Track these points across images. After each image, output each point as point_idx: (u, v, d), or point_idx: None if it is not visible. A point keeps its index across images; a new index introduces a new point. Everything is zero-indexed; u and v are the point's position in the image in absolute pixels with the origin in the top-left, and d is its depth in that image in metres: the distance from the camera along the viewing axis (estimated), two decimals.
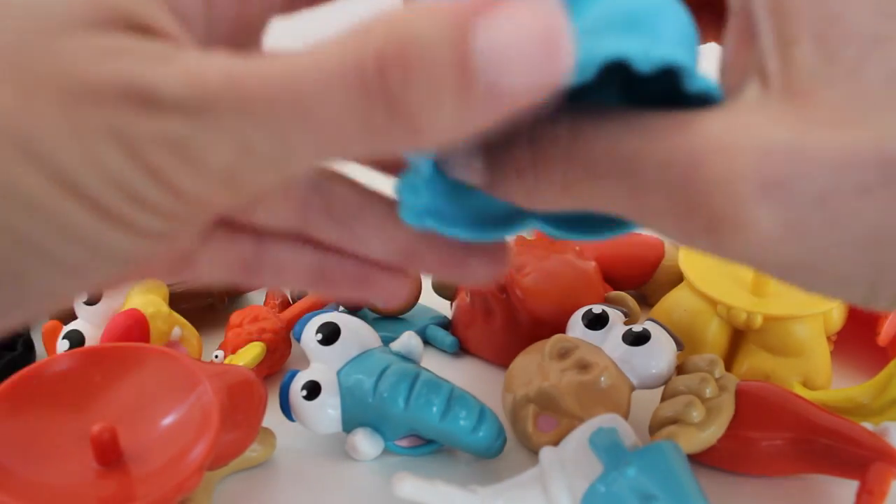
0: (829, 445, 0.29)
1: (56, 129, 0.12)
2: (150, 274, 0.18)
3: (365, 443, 0.32)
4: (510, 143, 0.16)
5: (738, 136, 0.14)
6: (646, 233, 0.45)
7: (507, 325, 0.40)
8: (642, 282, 0.43)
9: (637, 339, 0.34)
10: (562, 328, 0.37)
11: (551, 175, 0.15)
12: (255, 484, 0.32)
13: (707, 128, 0.14)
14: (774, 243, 0.14)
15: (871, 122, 0.14)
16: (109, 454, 0.27)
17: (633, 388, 0.34)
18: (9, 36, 0.12)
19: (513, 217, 0.18)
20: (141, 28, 0.13)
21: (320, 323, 0.34)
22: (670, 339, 0.34)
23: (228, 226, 0.18)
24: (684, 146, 0.14)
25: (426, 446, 0.33)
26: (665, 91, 0.15)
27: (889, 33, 0.14)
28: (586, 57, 0.13)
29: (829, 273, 0.14)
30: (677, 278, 0.40)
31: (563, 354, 0.34)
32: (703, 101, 0.15)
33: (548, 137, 0.15)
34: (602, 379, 0.32)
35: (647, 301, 0.43)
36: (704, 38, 0.19)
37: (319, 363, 0.34)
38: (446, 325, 0.43)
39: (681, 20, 0.15)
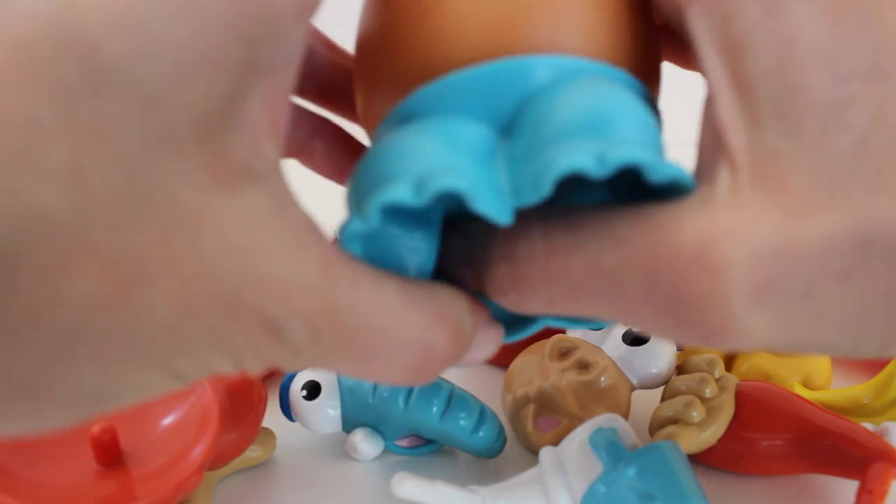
0: (830, 445, 0.29)
1: (198, 339, 0.13)
2: None
3: (365, 443, 0.32)
4: (488, 260, 0.16)
5: (721, 244, 0.13)
6: None
7: None
8: None
9: (637, 339, 0.34)
10: (562, 328, 0.37)
11: (533, 294, 0.15)
12: (255, 484, 0.32)
13: (687, 235, 0.14)
14: (766, 340, 0.14)
15: (842, 202, 0.14)
16: (109, 454, 0.27)
17: (633, 388, 0.34)
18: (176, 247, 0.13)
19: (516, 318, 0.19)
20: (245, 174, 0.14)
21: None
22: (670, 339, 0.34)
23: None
24: (667, 260, 0.14)
25: (426, 446, 0.33)
26: (634, 178, 0.15)
27: (849, 96, 0.14)
28: (539, 175, 0.13)
29: (814, 348, 0.15)
30: None
31: (563, 354, 0.34)
32: (675, 186, 0.14)
33: (523, 253, 0.15)
34: (602, 379, 0.32)
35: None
36: (679, 64, 0.19)
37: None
38: None
39: (637, 113, 0.14)
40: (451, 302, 0.16)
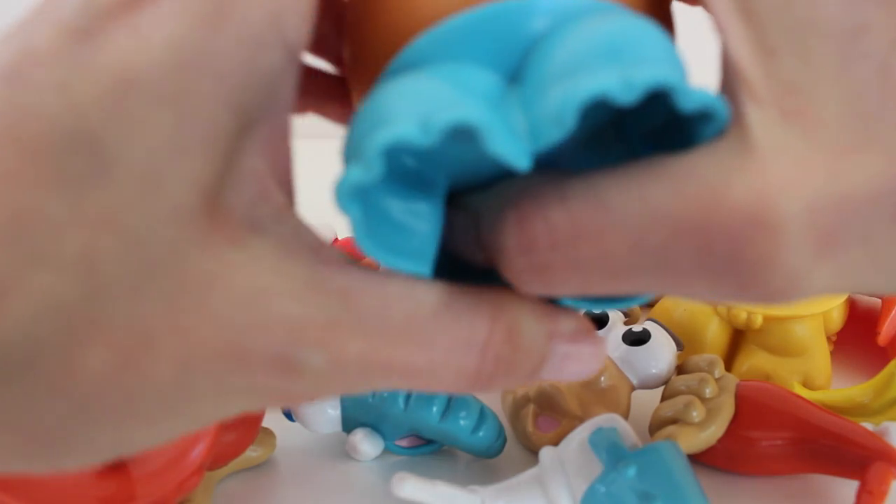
0: (829, 445, 0.29)
1: (202, 391, 0.13)
2: None
3: (365, 443, 0.32)
4: (503, 249, 0.14)
5: (777, 200, 0.12)
6: None
7: None
8: None
9: (637, 339, 0.34)
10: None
11: (564, 284, 0.14)
12: (255, 484, 0.32)
13: (737, 193, 0.12)
14: (828, 290, 0.13)
15: (877, 137, 0.13)
16: None
17: (633, 388, 0.34)
18: (159, 297, 0.13)
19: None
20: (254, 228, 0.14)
21: None
22: (670, 339, 0.34)
23: None
24: (720, 225, 0.12)
25: (426, 446, 0.33)
26: (665, 127, 0.14)
27: (864, 22, 0.13)
28: (561, 106, 0.12)
29: (870, 289, 0.14)
30: None
31: None
32: (707, 122, 0.13)
33: (543, 241, 0.14)
34: (602, 379, 0.32)
35: (646, 301, 0.43)
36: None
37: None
38: None
39: (658, 38, 0.13)
40: (498, 299, 0.15)
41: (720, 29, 0.14)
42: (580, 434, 0.29)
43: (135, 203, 0.12)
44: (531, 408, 0.33)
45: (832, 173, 0.12)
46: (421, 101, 0.13)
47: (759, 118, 0.13)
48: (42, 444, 0.14)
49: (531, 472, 0.28)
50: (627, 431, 0.29)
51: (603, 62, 0.12)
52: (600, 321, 0.35)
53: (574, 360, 0.15)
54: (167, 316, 0.13)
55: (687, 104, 0.12)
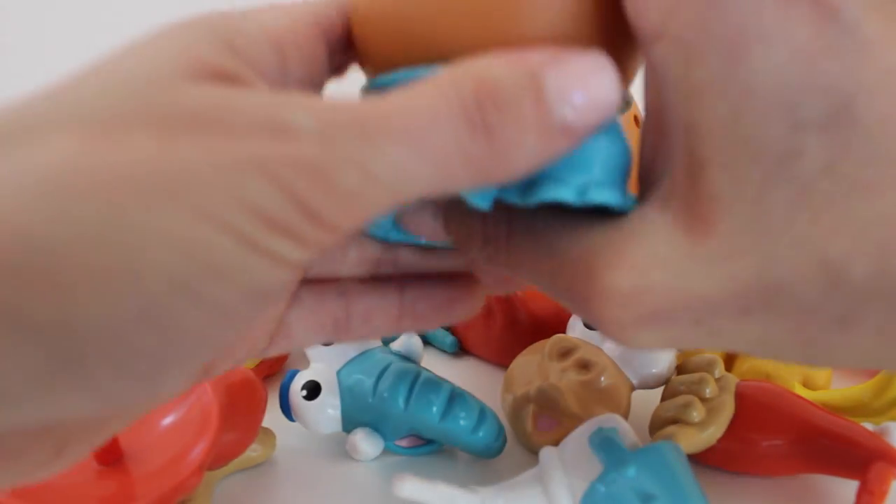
0: (830, 445, 0.29)
1: (201, 169, 0.13)
2: (251, 349, 0.20)
3: (365, 443, 0.32)
4: (469, 230, 0.19)
5: (618, 275, 0.15)
6: None
7: (507, 325, 0.40)
8: None
9: None
10: (562, 328, 0.37)
11: (502, 268, 0.18)
12: (255, 484, 0.32)
13: (597, 262, 0.15)
14: (660, 347, 0.16)
15: (758, 250, 0.14)
16: (109, 454, 0.27)
17: (633, 388, 0.34)
18: (134, 85, 0.13)
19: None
20: (233, 80, 0.14)
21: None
22: None
23: (315, 286, 0.21)
24: (579, 279, 0.16)
25: (426, 446, 0.33)
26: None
27: (800, 147, 0.14)
28: (525, 196, 0.16)
29: (695, 347, 0.17)
30: None
31: (563, 354, 0.34)
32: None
33: (493, 240, 0.18)
34: (602, 379, 0.32)
35: None
36: None
37: (319, 363, 0.34)
38: (446, 325, 0.43)
39: (617, 149, 0.16)
40: (474, 68, 0.15)
41: (662, 137, 0.16)
42: (580, 434, 0.28)
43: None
44: (531, 408, 0.33)
45: (685, 273, 0.15)
46: None
47: (653, 217, 0.15)
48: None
49: (531, 472, 0.28)
50: (627, 431, 0.29)
51: (569, 170, 0.16)
52: None
53: (575, 79, 0.15)
54: None
55: (616, 209, 0.16)
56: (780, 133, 0.14)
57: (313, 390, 0.33)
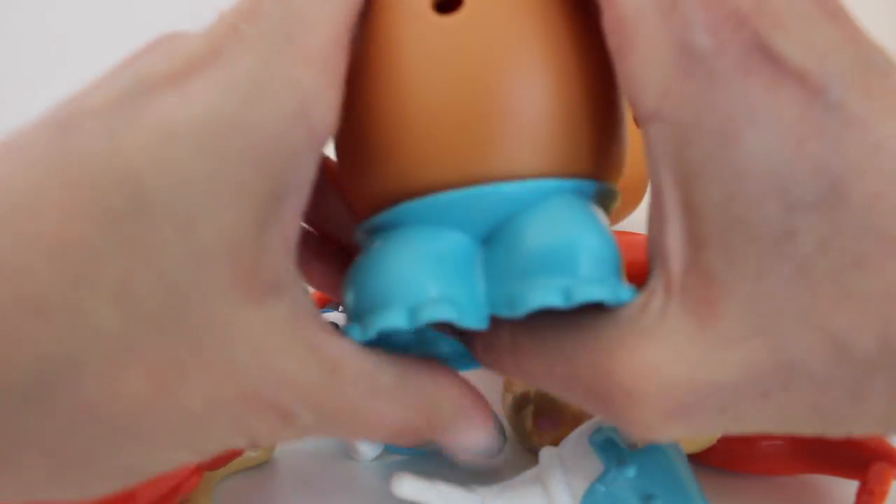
0: (830, 445, 0.29)
1: (221, 424, 0.15)
2: None
3: (364, 443, 0.32)
4: (471, 337, 0.20)
5: (641, 377, 0.15)
6: (645, 234, 0.45)
7: None
8: (641, 281, 0.43)
9: None
10: None
11: (506, 369, 0.19)
12: (255, 484, 0.32)
13: (615, 363, 0.16)
14: (689, 438, 0.17)
15: (769, 330, 0.14)
16: None
17: None
18: (179, 302, 0.14)
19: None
20: (275, 289, 0.16)
21: None
22: None
23: (320, 251, 0.23)
24: (600, 381, 0.16)
25: (426, 446, 0.33)
26: None
27: (794, 227, 0.14)
28: (515, 304, 0.16)
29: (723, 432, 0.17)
30: None
31: None
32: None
33: (495, 346, 0.19)
34: None
35: None
36: None
37: None
38: None
39: (595, 243, 0.16)
40: (432, 394, 0.18)
41: (661, 213, 0.16)
42: (580, 434, 0.28)
43: (170, 243, 0.13)
44: (531, 408, 0.33)
45: (700, 362, 0.15)
46: (410, 291, 0.16)
47: (661, 306, 0.15)
48: (74, 468, 0.14)
49: (531, 472, 0.28)
50: None
51: (550, 273, 0.16)
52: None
53: (463, 433, 0.19)
54: (196, 353, 0.14)
55: (609, 304, 0.16)
56: (774, 214, 0.14)
57: None
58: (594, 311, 0.17)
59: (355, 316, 0.17)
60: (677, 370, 0.15)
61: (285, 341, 0.15)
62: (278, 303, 0.15)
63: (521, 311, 0.16)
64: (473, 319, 0.16)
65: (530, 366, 0.18)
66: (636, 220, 0.50)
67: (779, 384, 0.15)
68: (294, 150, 0.15)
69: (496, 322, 0.18)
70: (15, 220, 0.13)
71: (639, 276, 0.44)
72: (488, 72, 0.16)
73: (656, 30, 0.15)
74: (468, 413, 0.19)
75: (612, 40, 0.16)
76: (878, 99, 0.14)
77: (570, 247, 0.16)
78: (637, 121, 0.16)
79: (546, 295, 0.16)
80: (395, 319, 0.16)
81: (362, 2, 0.17)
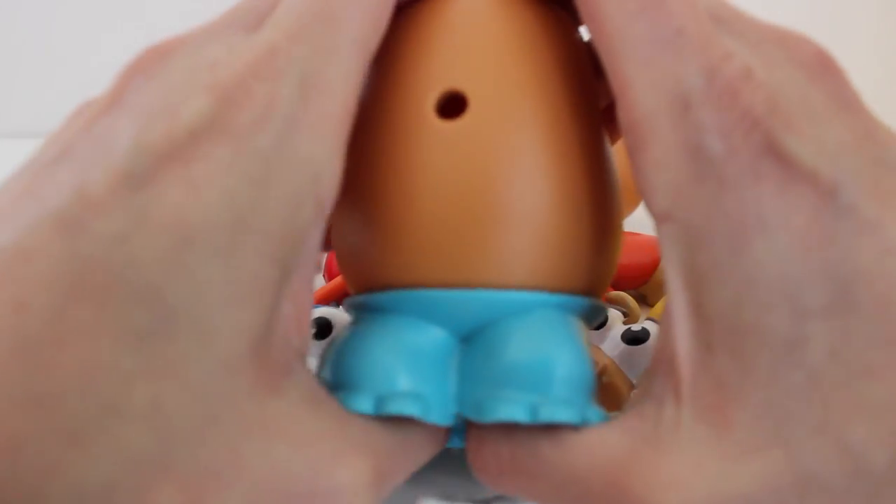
0: None
1: None
2: None
3: None
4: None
5: (659, 494, 0.14)
6: (645, 234, 0.45)
7: None
8: (642, 282, 0.44)
9: (636, 338, 0.34)
10: None
11: (504, 488, 0.17)
12: None
13: (631, 479, 0.15)
14: None
15: (785, 440, 0.14)
16: None
17: (632, 388, 0.34)
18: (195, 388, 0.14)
19: None
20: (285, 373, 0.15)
21: (313, 317, 0.34)
22: None
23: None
24: (616, 499, 0.15)
25: None
26: None
27: (804, 334, 0.14)
28: (479, 414, 0.16)
29: None
30: None
31: None
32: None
33: (480, 447, 0.17)
34: (602, 378, 0.32)
35: (646, 301, 0.43)
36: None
37: (312, 357, 0.33)
38: None
39: (571, 364, 0.16)
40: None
41: (670, 315, 0.15)
42: None
43: (194, 354, 0.13)
44: None
45: (720, 474, 0.14)
46: (381, 380, 0.17)
47: (673, 413, 0.15)
48: None
49: None
50: None
51: (521, 388, 0.16)
52: (600, 321, 0.35)
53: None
54: (232, 459, 0.14)
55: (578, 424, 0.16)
56: (784, 321, 0.14)
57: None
58: (602, 428, 0.16)
59: (330, 383, 0.18)
60: (698, 484, 0.14)
61: (312, 426, 0.15)
62: (293, 384, 0.15)
63: (486, 419, 0.16)
64: (439, 417, 0.17)
65: (534, 486, 0.16)
66: (636, 220, 0.50)
67: (796, 497, 0.14)
68: (305, 228, 0.14)
69: (493, 435, 0.17)
70: (40, 351, 0.12)
71: (639, 276, 0.44)
72: (487, 181, 0.17)
73: (669, 133, 0.15)
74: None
75: (628, 140, 0.15)
76: (890, 200, 0.14)
77: (544, 365, 0.16)
78: (650, 213, 0.16)
79: (512, 409, 0.16)
80: (360, 405, 0.16)
81: (369, 61, 0.16)
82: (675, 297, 0.15)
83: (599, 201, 0.18)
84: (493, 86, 0.17)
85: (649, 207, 0.15)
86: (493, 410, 0.16)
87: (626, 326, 0.35)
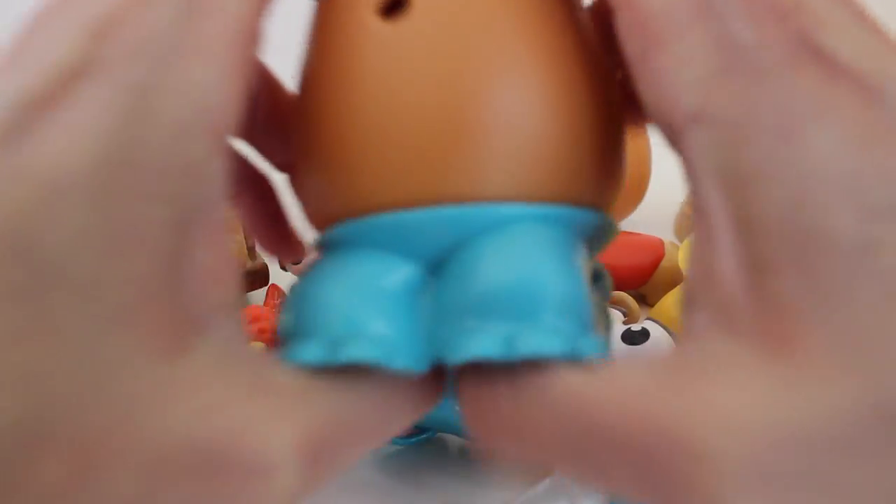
0: None
1: (166, 501, 0.13)
2: None
3: None
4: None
5: (710, 432, 0.12)
6: (645, 233, 0.45)
7: None
8: (642, 282, 0.43)
9: (636, 338, 0.34)
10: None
11: (499, 445, 0.14)
12: None
13: (676, 417, 0.12)
14: None
15: (863, 368, 0.12)
16: None
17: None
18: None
19: None
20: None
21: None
22: (669, 338, 0.34)
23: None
24: (654, 451, 0.12)
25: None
26: None
27: (878, 237, 0.12)
28: (448, 353, 0.13)
29: None
30: (677, 278, 0.40)
31: None
32: None
33: (488, 402, 0.14)
34: None
35: (646, 301, 0.43)
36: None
37: None
38: None
39: (561, 286, 0.13)
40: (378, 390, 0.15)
41: (707, 236, 0.13)
42: None
43: (76, 311, 0.12)
44: None
45: (783, 408, 0.12)
46: (334, 323, 0.14)
47: (725, 346, 0.13)
48: None
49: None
50: None
51: (498, 315, 0.13)
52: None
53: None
54: (123, 426, 0.12)
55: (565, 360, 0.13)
56: (851, 222, 0.12)
57: None
58: (625, 364, 0.13)
59: (284, 336, 0.15)
60: (757, 418, 0.12)
61: (223, 391, 0.13)
62: (205, 343, 0.13)
63: (455, 357, 0.13)
64: (405, 361, 0.14)
65: (540, 435, 0.13)
66: (636, 220, 0.50)
67: (879, 437, 0.11)
68: (197, 163, 0.13)
69: (491, 378, 0.14)
70: None
71: (639, 276, 0.44)
72: (439, 82, 0.14)
73: (691, 25, 0.13)
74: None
75: (634, 43, 0.14)
76: None
77: (523, 287, 0.13)
78: (666, 131, 0.14)
79: (482, 343, 0.13)
80: (309, 353, 0.14)
81: None
82: (714, 213, 0.13)
83: (591, 102, 0.15)
84: None
85: (672, 114, 0.13)
86: (461, 347, 0.13)
87: (627, 326, 0.34)
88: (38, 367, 0.12)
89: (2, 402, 0.11)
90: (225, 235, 0.14)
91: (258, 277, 0.44)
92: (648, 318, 0.35)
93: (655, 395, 0.12)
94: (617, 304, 0.38)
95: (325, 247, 0.16)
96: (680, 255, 0.39)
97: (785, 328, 0.12)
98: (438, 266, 0.15)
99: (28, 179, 0.12)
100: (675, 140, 0.14)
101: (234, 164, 0.18)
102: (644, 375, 0.13)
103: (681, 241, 0.47)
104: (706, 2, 0.13)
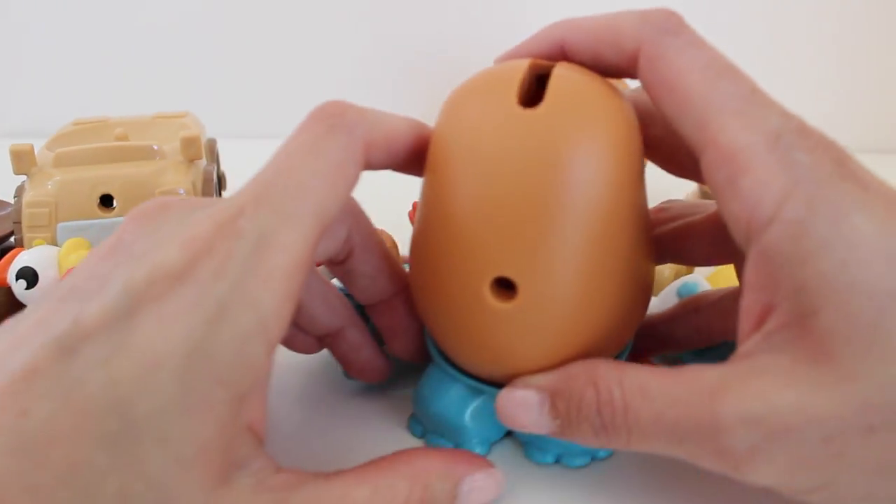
0: None
1: None
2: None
3: None
4: (578, 407, 0.21)
5: (746, 402, 0.18)
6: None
7: None
8: None
9: None
10: None
11: (616, 438, 0.21)
12: None
13: (722, 397, 0.18)
14: (786, 477, 0.18)
15: (880, 371, 0.17)
16: None
17: None
18: None
19: None
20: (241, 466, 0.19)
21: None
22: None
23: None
24: (705, 419, 0.19)
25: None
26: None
27: None
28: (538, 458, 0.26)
29: (846, 494, 0.18)
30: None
31: None
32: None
33: (607, 406, 0.20)
34: None
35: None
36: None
37: None
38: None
39: None
40: (415, 465, 0.21)
41: (773, 301, 0.19)
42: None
43: (153, 453, 0.16)
44: None
45: (810, 395, 0.17)
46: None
47: (768, 361, 0.19)
48: None
49: None
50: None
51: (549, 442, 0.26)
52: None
53: (478, 492, 0.22)
54: None
55: None
56: (883, 274, 0.17)
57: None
58: (697, 369, 0.20)
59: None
60: (784, 397, 0.17)
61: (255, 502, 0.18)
62: (242, 474, 0.18)
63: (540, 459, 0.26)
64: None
65: (639, 421, 0.20)
66: None
67: (888, 421, 0.17)
68: (253, 362, 0.18)
69: (604, 379, 0.21)
70: (36, 449, 0.15)
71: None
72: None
73: (768, 155, 0.19)
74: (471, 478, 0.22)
75: (720, 173, 0.19)
76: None
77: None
78: (742, 234, 0.19)
79: (540, 456, 0.26)
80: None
81: (328, 225, 0.20)
82: (779, 288, 0.18)
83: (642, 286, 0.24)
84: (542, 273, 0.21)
85: (751, 220, 0.19)
86: (535, 455, 0.26)
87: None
88: (127, 493, 0.16)
89: None
90: (264, 404, 0.20)
91: None
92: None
93: (728, 389, 0.19)
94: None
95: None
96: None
97: (823, 348, 0.17)
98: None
99: (131, 353, 0.16)
100: (750, 238, 0.19)
101: (339, 308, 0.27)
102: (717, 378, 0.19)
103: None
104: (777, 139, 0.19)
